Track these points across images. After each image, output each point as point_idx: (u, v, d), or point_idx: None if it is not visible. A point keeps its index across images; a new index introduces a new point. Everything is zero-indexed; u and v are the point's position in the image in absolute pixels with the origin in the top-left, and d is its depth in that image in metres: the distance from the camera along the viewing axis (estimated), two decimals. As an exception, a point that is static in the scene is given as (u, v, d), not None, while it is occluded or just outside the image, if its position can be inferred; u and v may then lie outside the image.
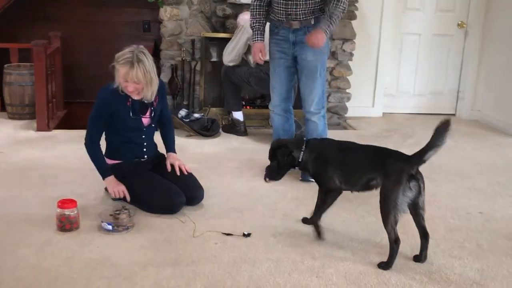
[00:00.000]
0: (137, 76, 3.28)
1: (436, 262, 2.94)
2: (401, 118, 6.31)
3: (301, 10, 3.91)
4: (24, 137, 5.08)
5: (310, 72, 4.03)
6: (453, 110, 6.58)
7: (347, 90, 5.99)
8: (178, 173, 3.57)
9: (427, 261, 2.93)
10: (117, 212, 3.23)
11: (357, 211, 3.57)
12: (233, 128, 5.37)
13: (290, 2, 3.89)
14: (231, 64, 5.23)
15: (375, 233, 3.24)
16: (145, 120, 3.53)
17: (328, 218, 3.28)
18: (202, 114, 5.47)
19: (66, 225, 3.13)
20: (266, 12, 4.08)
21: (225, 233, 3.15)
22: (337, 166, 3.03)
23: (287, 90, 4.20)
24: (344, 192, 3.86)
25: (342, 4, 3.86)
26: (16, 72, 5.70)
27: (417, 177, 2.85)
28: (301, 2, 3.89)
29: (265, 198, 3.69)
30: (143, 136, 3.57)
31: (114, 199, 3.56)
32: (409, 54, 6.41)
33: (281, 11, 3.95)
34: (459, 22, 6.32)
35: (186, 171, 3.60)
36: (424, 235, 2.94)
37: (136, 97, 3.43)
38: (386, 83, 6.39)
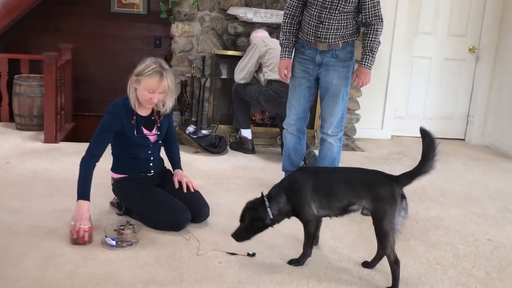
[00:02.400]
0: (166, 86, 3.30)
1: (444, 289, 2.89)
2: (410, 141, 6.27)
3: (332, 34, 3.86)
4: (31, 148, 5.08)
5: (333, 95, 4.00)
6: (463, 135, 6.54)
7: (356, 111, 5.97)
8: (185, 190, 3.54)
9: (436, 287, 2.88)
10: (122, 227, 3.20)
11: (365, 234, 3.52)
12: (241, 145, 5.35)
13: (321, 25, 3.83)
14: (242, 81, 5.23)
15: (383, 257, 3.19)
16: (152, 138, 3.51)
17: (334, 241, 3.24)
18: (210, 130, 5.46)
19: (80, 238, 3.10)
20: (297, 30, 4.02)
21: (229, 253, 3.11)
22: (311, 192, 2.91)
23: (303, 110, 4.14)
24: (351, 216, 3.82)
25: (379, 36, 3.91)
26: (26, 83, 5.72)
27: (405, 196, 2.85)
28: (333, 26, 3.83)
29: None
30: (149, 152, 3.54)
31: (119, 214, 3.54)
32: (420, 77, 6.39)
33: (311, 32, 3.90)
34: (471, 47, 6.31)
35: (193, 188, 3.57)
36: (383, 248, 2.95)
37: (156, 108, 3.43)
38: (395, 106, 6.37)
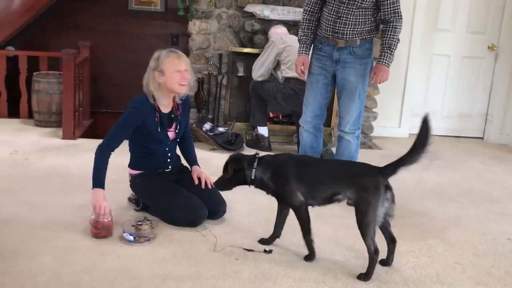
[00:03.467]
0: (186, 60, 3.36)
1: (463, 288, 2.86)
2: (428, 139, 6.21)
3: (349, 30, 3.84)
4: (50, 144, 5.12)
5: (350, 93, 3.98)
6: (481, 133, 6.48)
7: (374, 109, 5.94)
8: (203, 186, 3.55)
9: (454, 287, 2.85)
10: (139, 223, 3.21)
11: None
12: (257, 143, 5.34)
13: (339, 20, 3.82)
14: (260, 79, 5.22)
15: (400, 255, 3.16)
16: (171, 134, 3.52)
17: (351, 238, 3.22)
18: (227, 128, 5.46)
19: (102, 232, 3.13)
20: (316, 27, 4.01)
21: (246, 249, 3.10)
22: (297, 180, 2.95)
23: (320, 107, 4.12)
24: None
25: (398, 33, 3.88)
26: (45, 80, 5.77)
27: (390, 186, 2.86)
28: (351, 22, 3.81)
29: (288, 214, 3.63)
30: (167, 149, 3.55)
31: (137, 210, 3.55)
32: (438, 75, 6.34)
33: (329, 28, 3.88)
34: (490, 45, 6.24)
35: (211, 185, 3.58)
36: (392, 240, 3.00)
37: (184, 91, 3.43)
38: (413, 104, 6.32)
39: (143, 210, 3.56)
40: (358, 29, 3.85)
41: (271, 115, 5.81)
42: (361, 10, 3.79)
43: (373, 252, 2.83)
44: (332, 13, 3.84)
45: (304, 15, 4.00)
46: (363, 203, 2.80)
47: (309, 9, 3.96)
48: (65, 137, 5.30)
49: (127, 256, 2.96)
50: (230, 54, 5.62)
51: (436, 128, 6.63)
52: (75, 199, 3.70)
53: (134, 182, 3.57)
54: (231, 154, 3.24)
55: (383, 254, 2.99)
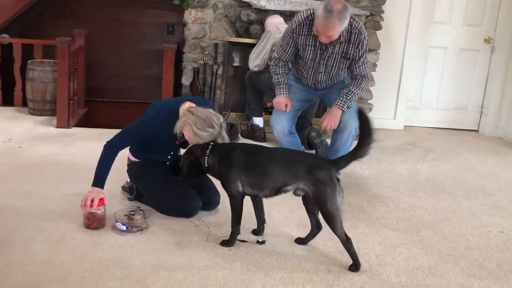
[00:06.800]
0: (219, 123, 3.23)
1: (455, 281, 2.86)
2: (423, 132, 6.22)
3: (330, 79, 4.07)
4: (44, 133, 5.10)
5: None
6: (476, 126, 6.47)
7: (369, 101, 5.92)
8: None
9: (447, 279, 2.87)
10: (132, 212, 3.21)
11: (375, 224, 3.51)
12: (252, 133, 5.33)
13: (320, 74, 4.00)
14: (256, 69, 5.20)
15: (393, 247, 3.18)
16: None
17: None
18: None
19: (93, 223, 3.12)
20: (289, 69, 4.15)
21: (239, 240, 3.10)
22: (243, 169, 2.96)
23: (293, 118, 4.26)
24: (360, 204, 3.81)
25: (361, 90, 3.99)
26: (39, 68, 5.73)
27: (339, 179, 2.90)
28: (333, 74, 4.02)
29: (281, 205, 3.64)
30: (171, 151, 3.58)
31: (130, 199, 3.55)
32: (434, 67, 6.32)
33: (310, 78, 4.07)
34: (486, 38, 6.23)
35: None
36: (317, 226, 3.08)
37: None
38: (409, 96, 6.31)
39: (136, 199, 3.56)
40: (341, 76, 4.10)
41: (267, 105, 5.80)
42: (339, 70, 4.00)
43: (345, 241, 2.85)
44: (311, 72, 4.03)
45: (278, 62, 4.06)
46: (323, 196, 2.82)
47: (282, 64, 4.06)
48: (59, 125, 5.27)
49: (119, 245, 2.96)
50: (225, 44, 5.59)
51: (431, 120, 6.71)
52: (69, 188, 3.69)
53: (132, 168, 3.57)
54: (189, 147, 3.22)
55: (379, 246, 2.99)
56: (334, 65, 3.96)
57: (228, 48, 5.61)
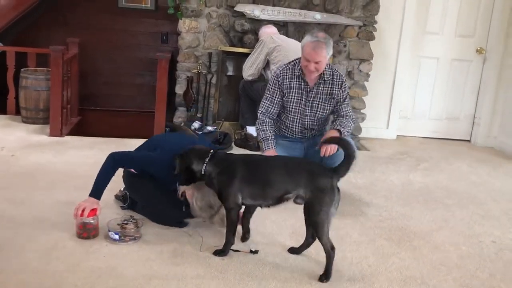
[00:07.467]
0: None
1: (447, 290, 2.88)
2: (415, 141, 6.25)
3: (317, 124, 4.02)
4: (37, 141, 5.08)
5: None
6: (468, 136, 6.51)
7: (362, 111, 5.95)
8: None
9: (438, 288, 2.88)
10: (125, 222, 3.20)
11: (368, 233, 3.52)
12: (246, 143, 5.34)
13: (307, 117, 3.96)
14: (250, 78, 5.22)
15: (386, 256, 3.18)
16: None
17: (337, 239, 3.22)
18: (215, 127, 5.45)
19: (84, 233, 3.11)
20: (275, 123, 4.07)
21: (232, 249, 3.10)
22: (245, 181, 2.94)
23: None
24: (353, 213, 3.82)
25: (352, 125, 3.96)
26: (33, 76, 5.73)
27: (338, 187, 2.91)
28: (318, 117, 3.98)
29: (274, 214, 3.64)
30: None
31: (123, 208, 3.54)
32: (426, 77, 6.36)
33: (296, 126, 4.02)
34: (478, 48, 6.28)
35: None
36: (312, 236, 3.04)
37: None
38: (401, 106, 6.35)
39: (129, 208, 3.55)
40: (323, 126, 4.09)
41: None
42: (324, 112, 3.97)
43: (329, 249, 2.85)
44: (297, 118, 3.98)
45: (263, 118, 3.97)
46: (318, 203, 2.83)
47: (268, 121, 3.95)
48: (52, 134, 5.26)
49: (112, 254, 2.95)
50: (219, 53, 5.61)
51: (424, 130, 6.74)
52: (61, 197, 3.68)
53: (127, 176, 3.55)
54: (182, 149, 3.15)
55: (372, 255, 2.99)
56: (320, 106, 3.93)
57: (222, 57, 5.63)
